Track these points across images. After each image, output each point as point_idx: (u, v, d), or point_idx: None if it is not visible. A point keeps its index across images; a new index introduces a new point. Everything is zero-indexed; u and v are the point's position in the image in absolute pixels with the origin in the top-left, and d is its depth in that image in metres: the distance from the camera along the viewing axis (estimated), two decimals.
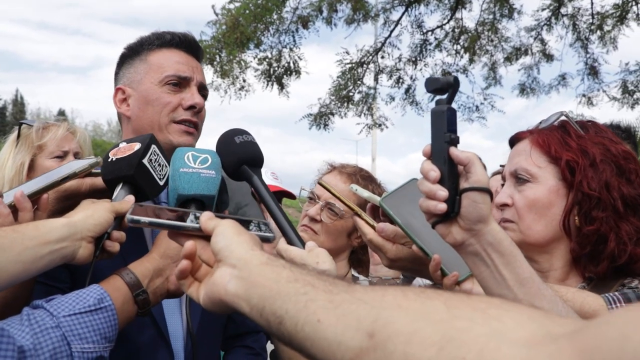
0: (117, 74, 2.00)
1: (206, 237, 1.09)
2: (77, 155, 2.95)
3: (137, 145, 1.56)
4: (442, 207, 1.23)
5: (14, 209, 1.42)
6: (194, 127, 1.89)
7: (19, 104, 71.51)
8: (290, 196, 3.89)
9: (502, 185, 1.75)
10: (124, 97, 1.92)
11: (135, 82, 1.90)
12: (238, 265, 0.96)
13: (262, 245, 1.04)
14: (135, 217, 1.15)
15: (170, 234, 1.18)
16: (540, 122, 1.75)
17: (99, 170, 1.59)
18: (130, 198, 1.50)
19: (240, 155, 1.61)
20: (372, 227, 1.66)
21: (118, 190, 1.52)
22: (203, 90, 1.95)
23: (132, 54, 1.96)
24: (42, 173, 2.80)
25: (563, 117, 1.70)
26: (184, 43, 1.96)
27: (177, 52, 1.94)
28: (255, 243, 1.02)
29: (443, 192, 1.22)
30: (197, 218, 1.14)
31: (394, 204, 1.59)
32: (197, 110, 1.89)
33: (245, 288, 0.92)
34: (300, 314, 0.81)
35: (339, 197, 1.76)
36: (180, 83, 1.88)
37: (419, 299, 0.73)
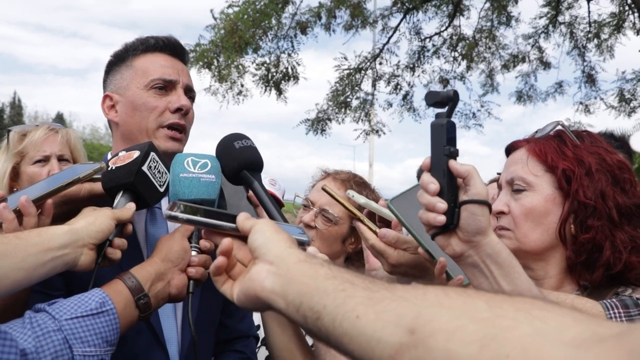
0: (104, 81, 2.00)
1: (241, 237, 1.09)
2: (61, 158, 2.88)
3: (136, 153, 1.57)
4: (441, 219, 1.24)
5: (18, 213, 1.42)
6: (182, 131, 1.89)
7: (16, 106, 71.33)
8: (280, 203, 3.87)
9: (499, 193, 1.76)
10: (112, 104, 1.92)
11: (122, 89, 1.90)
12: (275, 262, 0.96)
13: (297, 244, 1.04)
14: (173, 213, 1.15)
15: (206, 232, 1.19)
16: (536, 131, 1.77)
17: (99, 176, 1.60)
18: (131, 205, 1.51)
19: (240, 160, 1.62)
20: (374, 232, 1.67)
21: (119, 198, 1.53)
22: (190, 92, 1.94)
23: (118, 60, 1.96)
24: (27, 180, 2.76)
25: (559, 127, 1.72)
26: (168, 46, 1.95)
27: (161, 56, 1.93)
28: (293, 241, 1.02)
29: (442, 205, 1.24)
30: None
31: (401, 206, 1.60)
32: (184, 113, 1.88)
33: (282, 284, 0.92)
34: (338, 309, 0.81)
35: (342, 202, 1.76)
36: (166, 86, 1.87)
37: (461, 297, 0.73)
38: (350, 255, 2.45)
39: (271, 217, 1.55)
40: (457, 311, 0.70)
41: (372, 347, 0.75)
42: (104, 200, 1.58)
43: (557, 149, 1.63)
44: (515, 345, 0.61)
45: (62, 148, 2.91)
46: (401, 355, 0.71)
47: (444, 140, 1.25)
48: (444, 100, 1.26)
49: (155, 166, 1.59)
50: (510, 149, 1.77)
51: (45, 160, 2.85)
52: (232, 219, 1.12)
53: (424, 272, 1.64)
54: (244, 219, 1.09)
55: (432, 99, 1.27)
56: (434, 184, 1.25)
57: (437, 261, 1.51)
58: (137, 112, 1.84)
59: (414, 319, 0.72)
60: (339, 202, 1.77)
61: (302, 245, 1.18)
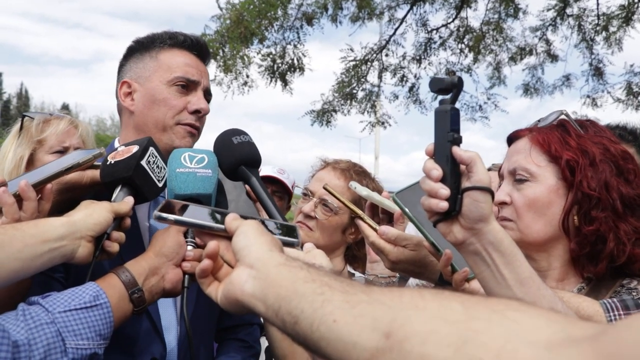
0: (123, 65, 2.00)
1: (230, 237, 1.08)
2: None
3: (135, 148, 1.58)
4: (444, 205, 1.24)
5: (18, 198, 1.42)
6: (196, 129, 1.92)
7: (23, 97, 71.60)
8: (289, 192, 3.85)
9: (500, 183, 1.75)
10: (129, 91, 1.92)
11: (142, 78, 1.90)
12: (256, 266, 0.96)
13: (282, 248, 1.04)
14: (163, 215, 1.15)
15: (196, 233, 1.19)
16: (539, 120, 1.75)
17: (100, 163, 1.60)
18: (130, 199, 1.51)
19: (238, 156, 1.63)
20: (374, 229, 1.68)
21: (117, 192, 1.53)
22: (207, 95, 1.97)
23: (141, 48, 1.96)
24: None
25: (563, 116, 1.70)
26: (196, 46, 1.97)
27: (187, 55, 1.95)
28: (275, 244, 1.02)
29: (445, 191, 1.23)
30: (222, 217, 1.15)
31: (407, 200, 1.61)
32: (202, 115, 1.92)
33: (262, 288, 0.92)
34: (316, 314, 0.81)
35: (342, 200, 1.77)
36: (188, 86, 1.89)
37: (436, 299, 0.73)
38: (350, 245, 2.45)
39: (269, 213, 1.55)
40: (432, 314, 0.70)
41: (349, 352, 0.75)
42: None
43: (561, 139, 1.61)
44: (489, 349, 0.61)
45: (80, 142, 2.94)
46: (377, 359, 0.71)
47: (448, 126, 1.24)
48: (449, 87, 1.25)
49: (154, 161, 1.60)
50: (512, 139, 1.75)
51: (64, 151, 2.85)
52: (224, 218, 1.11)
53: (423, 268, 1.65)
54: (231, 220, 1.08)
55: (436, 86, 1.26)
56: (437, 170, 1.24)
57: (443, 254, 1.50)
58: (156, 106, 1.85)
59: (390, 322, 0.72)
60: (340, 201, 1.78)
61: (292, 246, 1.18)
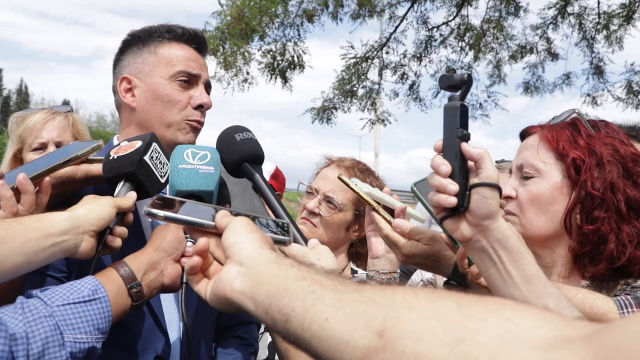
0: (119, 60, 1.96)
1: (221, 234, 1.07)
2: (60, 145, 2.75)
3: (138, 143, 1.57)
4: (452, 200, 1.23)
5: (16, 191, 1.42)
6: (200, 125, 1.91)
7: (23, 93, 71.50)
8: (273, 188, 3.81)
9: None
10: (130, 87, 1.89)
11: (143, 74, 1.87)
12: (245, 263, 0.94)
13: (272, 244, 1.03)
14: (153, 211, 1.14)
15: (188, 230, 1.18)
16: (553, 118, 1.76)
17: (96, 157, 1.60)
18: (133, 194, 1.50)
19: (241, 153, 1.63)
20: (389, 222, 1.67)
21: (120, 187, 1.52)
22: (207, 88, 1.95)
23: (139, 42, 1.92)
24: None
25: (575, 115, 1.70)
26: (194, 40, 1.95)
27: (187, 48, 1.92)
28: (265, 241, 1.00)
29: (453, 186, 1.23)
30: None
31: (425, 191, 1.61)
32: (205, 110, 1.90)
33: (251, 286, 0.91)
34: (307, 312, 0.79)
35: (357, 192, 1.77)
36: (189, 80, 1.87)
37: (430, 298, 0.72)
38: (354, 242, 2.45)
39: (273, 209, 1.55)
40: (426, 313, 0.69)
41: (341, 350, 0.73)
42: (100, 182, 1.59)
43: (570, 138, 1.61)
44: (484, 349, 0.60)
45: (61, 133, 2.82)
46: (369, 358, 0.70)
47: (457, 122, 1.24)
48: (458, 84, 1.26)
49: (156, 157, 1.59)
50: (524, 134, 1.76)
51: (43, 148, 2.76)
52: (215, 215, 1.10)
53: (436, 262, 1.64)
54: (221, 217, 1.07)
55: (446, 82, 1.27)
56: (445, 166, 1.24)
57: (460, 246, 1.50)
58: (159, 102, 1.83)
59: (383, 321, 0.71)
60: (355, 192, 1.77)
61: (283, 244, 1.17)
